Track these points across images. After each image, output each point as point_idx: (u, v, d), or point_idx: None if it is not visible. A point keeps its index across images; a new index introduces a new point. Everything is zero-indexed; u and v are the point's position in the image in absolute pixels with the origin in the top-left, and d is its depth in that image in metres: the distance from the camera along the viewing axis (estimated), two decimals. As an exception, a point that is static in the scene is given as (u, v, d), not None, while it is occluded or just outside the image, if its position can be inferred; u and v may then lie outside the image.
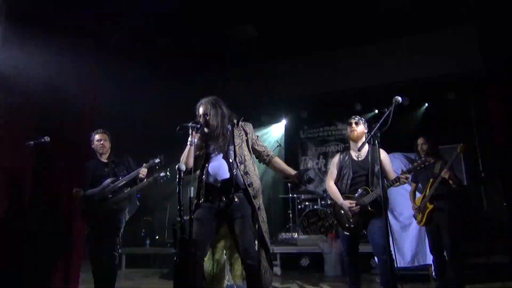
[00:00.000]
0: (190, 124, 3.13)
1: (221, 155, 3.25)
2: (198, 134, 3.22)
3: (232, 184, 3.16)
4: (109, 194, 4.22)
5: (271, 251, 3.30)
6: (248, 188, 3.17)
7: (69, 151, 5.45)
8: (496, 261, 5.19)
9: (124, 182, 4.24)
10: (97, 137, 4.47)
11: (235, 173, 3.18)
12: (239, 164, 3.21)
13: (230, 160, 3.21)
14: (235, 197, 3.16)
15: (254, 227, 3.17)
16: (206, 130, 3.27)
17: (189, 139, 3.19)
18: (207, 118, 3.25)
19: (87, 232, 4.36)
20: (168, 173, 4.11)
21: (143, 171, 4.26)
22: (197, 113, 3.35)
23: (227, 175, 3.18)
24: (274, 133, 8.95)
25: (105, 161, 4.44)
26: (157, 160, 3.98)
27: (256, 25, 6.67)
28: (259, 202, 3.23)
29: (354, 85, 7.78)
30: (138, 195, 4.61)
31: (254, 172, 3.29)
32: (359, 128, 3.90)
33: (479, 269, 5.21)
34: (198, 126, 3.14)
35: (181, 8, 5.83)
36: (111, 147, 4.55)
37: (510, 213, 4.05)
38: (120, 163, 4.42)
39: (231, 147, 3.26)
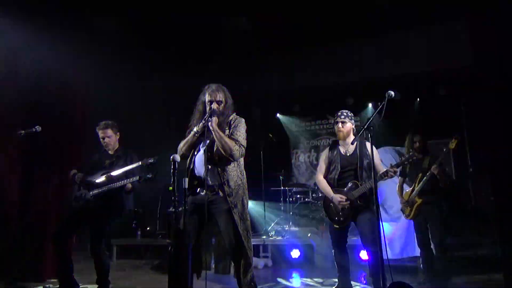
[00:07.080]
0: (207, 116, 3.03)
1: (205, 148, 3.05)
2: (202, 123, 3.09)
3: (203, 180, 3.02)
4: (94, 186, 4.07)
5: (260, 244, 3.27)
6: (224, 185, 3.02)
7: (61, 142, 5.43)
8: (483, 254, 5.29)
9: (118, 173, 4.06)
10: (99, 134, 4.32)
11: (208, 168, 3.03)
12: (218, 160, 3.06)
13: (209, 154, 3.04)
14: (219, 191, 3.04)
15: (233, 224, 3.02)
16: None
17: (195, 129, 3.11)
18: (221, 105, 3.15)
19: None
20: (153, 175, 3.84)
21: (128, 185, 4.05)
22: (209, 98, 3.18)
23: (203, 169, 3.04)
24: (266, 126, 8.95)
25: (111, 153, 4.34)
26: (150, 160, 3.88)
27: (250, 18, 6.64)
28: (236, 200, 3.04)
29: (346, 79, 7.81)
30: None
31: (234, 168, 3.11)
32: (346, 127, 3.90)
33: (466, 262, 5.30)
34: (213, 114, 3.01)
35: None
36: (120, 139, 4.41)
37: (497, 207, 4.11)
38: (123, 158, 4.25)
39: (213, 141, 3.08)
